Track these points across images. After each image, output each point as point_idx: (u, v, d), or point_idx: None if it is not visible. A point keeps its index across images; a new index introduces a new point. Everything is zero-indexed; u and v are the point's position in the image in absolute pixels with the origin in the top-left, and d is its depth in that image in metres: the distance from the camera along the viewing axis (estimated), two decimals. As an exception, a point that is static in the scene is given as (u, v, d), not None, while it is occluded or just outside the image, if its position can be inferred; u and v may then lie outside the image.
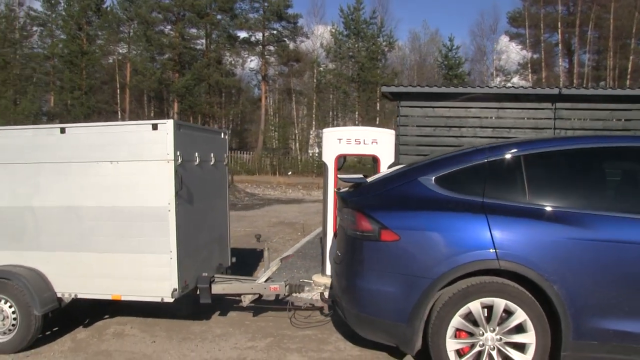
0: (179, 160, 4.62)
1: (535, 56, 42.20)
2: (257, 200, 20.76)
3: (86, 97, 37.58)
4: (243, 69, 49.20)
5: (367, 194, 4.26)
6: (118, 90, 39.98)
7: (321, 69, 39.02)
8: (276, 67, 44.79)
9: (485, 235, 3.73)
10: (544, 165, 4.02)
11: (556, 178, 4.01)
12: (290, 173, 34.18)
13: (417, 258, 3.86)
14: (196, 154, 5.04)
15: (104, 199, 4.72)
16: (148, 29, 37.79)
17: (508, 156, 4.03)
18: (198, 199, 5.06)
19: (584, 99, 9.14)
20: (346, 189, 4.64)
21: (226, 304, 5.95)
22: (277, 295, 5.75)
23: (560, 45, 39.56)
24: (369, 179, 4.47)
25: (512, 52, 45.55)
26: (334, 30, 39.09)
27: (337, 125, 39.49)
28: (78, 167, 4.76)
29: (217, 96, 41.23)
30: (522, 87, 10.30)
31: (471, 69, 44.01)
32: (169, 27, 39.94)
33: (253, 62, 47.41)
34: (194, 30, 40.35)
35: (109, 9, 39.75)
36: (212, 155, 5.45)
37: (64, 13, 39.66)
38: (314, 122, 39.82)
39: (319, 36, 44.54)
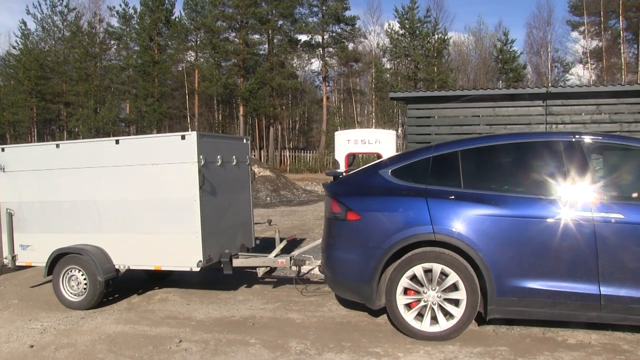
0: (202, 162, 5.97)
1: (599, 44, 41.19)
2: (312, 197, 21.98)
3: (158, 103, 39.86)
4: (305, 71, 50.89)
5: (340, 184, 5.46)
6: (187, 96, 42.07)
7: (378, 68, 39.79)
8: (336, 68, 45.99)
9: (425, 214, 4.84)
10: (475, 158, 5.05)
11: (483, 168, 5.07)
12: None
13: (373, 233, 5.00)
14: (218, 157, 6.38)
15: (146, 192, 6.18)
16: (214, 37, 39.63)
17: (449, 152, 5.12)
18: (220, 192, 6.40)
19: (572, 96, 9.81)
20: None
21: (252, 279, 7.29)
22: (299, 271, 6.98)
23: (622, 32, 38.48)
24: (345, 173, 5.67)
25: (571, 42, 44.33)
26: (389, 30, 39.84)
27: (398, 123, 40.28)
28: (128, 169, 6.24)
29: (281, 98, 42.79)
30: (513, 87, 10.94)
31: (527, 61, 43.52)
32: (233, 34, 41.53)
33: (314, 64, 48.89)
34: (256, 36, 41.73)
35: (177, 20, 41.79)
36: (234, 157, 6.79)
37: (137, 27, 42.06)
38: (373, 121, 40.74)
39: (375, 36, 45.60)
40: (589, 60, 41.09)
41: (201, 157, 5.95)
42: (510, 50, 39.14)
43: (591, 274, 4.51)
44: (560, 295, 4.56)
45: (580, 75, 42.86)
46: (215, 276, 7.47)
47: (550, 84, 35.23)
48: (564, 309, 4.58)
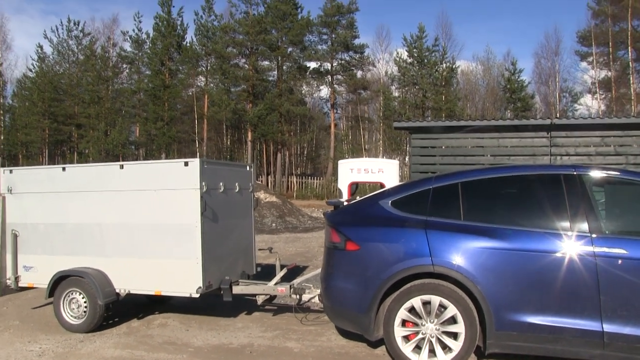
0: (204, 189, 6.01)
1: (608, 75, 41.21)
2: (318, 224, 21.97)
3: (168, 127, 40.25)
4: (313, 98, 51.25)
5: (340, 214, 5.47)
6: (196, 121, 42.37)
7: (386, 96, 40.02)
8: (345, 95, 46.28)
9: (424, 246, 4.83)
10: (475, 190, 5.04)
11: (483, 200, 5.05)
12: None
13: (372, 263, 4.99)
14: (221, 184, 6.42)
15: (149, 217, 6.21)
16: (224, 63, 40.06)
17: (449, 183, 5.13)
18: (222, 218, 6.43)
19: (577, 128, 9.81)
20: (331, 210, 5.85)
21: (252, 306, 7.27)
22: (299, 300, 6.96)
23: (631, 63, 38.55)
24: (345, 202, 5.68)
25: (580, 72, 44.23)
26: (397, 59, 40.16)
27: (405, 151, 40.32)
28: (131, 194, 6.29)
29: (289, 124, 43.05)
30: (517, 118, 11.03)
31: (535, 91, 43.61)
32: (243, 60, 41.95)
33: (323, 91, 49.23)
34: (266, 63, 42.21)
35: (188, 45, 42.37)
36: (236, 184, 6.83)
37: (149, 51, 42.73)
38: (380, 148, 40.86)
39: (384, 64, 45.90)
40: (597, 90, 41.08)
41: (203, 183, 6.00)
42: (518, 79, 39.26)
43: (593, 310, 4.43)
44: (562, 331, 4.48)
45: (589, 105, 42.83)
46: (215, 302, 7.44)
47: (558, 114, 35.36)
48: (565, 346, 4.50)
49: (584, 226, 4.55)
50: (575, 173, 4.80)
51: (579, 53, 43.13)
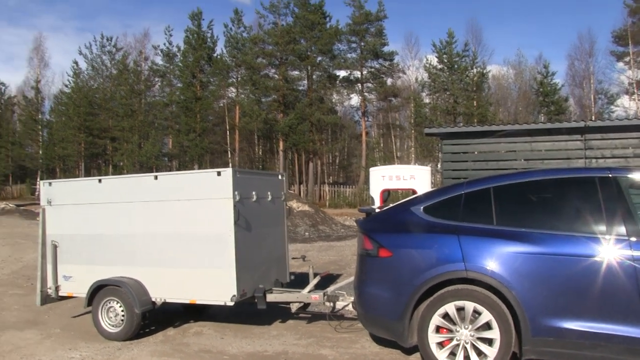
0: (237, 198, 6.09)
1: (645, 74, 40.16)
2: (351, 232, 21.88)
3: (200, 138, 40.65)
4: (344, 106, 51.25)
5: (373, 221, 5.49)
6: (228, 131, 42.70)
7: (417, 103, 39.78)
8: (375, 103, 46.18)
9: (457, 251, 4.81)
10: (507, 195, 5.00)
11: (516, 205, 5.01)
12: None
13: (405, 270, 4.99)
14: (253, 193, 6.50)
15: (183, 227, 6.32)
16: (254, 73, 40.34)
17: (481, 188, 5.10)
18: (255, 227, 6.50)
19: (613, 129, 9.60)
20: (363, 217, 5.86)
21: (286, 314, 7.30)
22: (333, 307, 6.97)
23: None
24: (377, 210, 5.69)
25: (616, 72, 43.07)
26: (427, 65, 39.93)
27: (437, 157, 40.02)
28: (166, 204, 6.41)
29: (320, 133, 43.13)
30: (550, 122, 10.86)
31: (569, 94, 42.80)
32: (273, 70, 42.13)
33: (353, 99, 49.19)
34: (296, 73, 42.25)
35: (219, 57, 42.78)
36: (269, 193, 6.90)
37: (180, 64, 43.26)
38: (412, 156, 40.60)
39: (414, 71, 45.66)
40: (635, 91, 40.13)
41: (236, 193, 6.07)
42: (551, 82, 38.55)
43: (634, 316, 4.32)
44: (600, 337, 4.38)
45: (627, 106, 41.72)
46: (250, 310, 7.50)
47: (593, 117, 34.66)
48: (605, 352, 4.39)
49: (622, 229, 4.46)
50: (610, 175, 4.72)
51: (615, 53, 42.19)
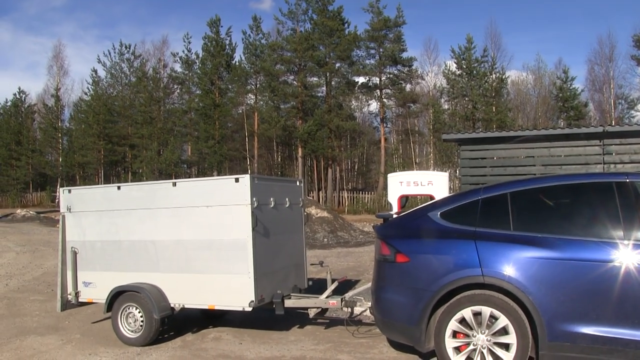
0: (255, 204, 6.15)
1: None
2: (369, 238, 21.83)
3: (219, 145, 40.88)
4: (362, 113, 51.21)
5: (390, 227, 5.52)
6: (247, 138, 42.78)
7: (435, 109, 39.62)
8: (394, 109, 46.11)
9: (474, 257, 4.81)
10: (524, 200, 5.00)
11: (532, 210, 5.00)
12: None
13: (422, 275, 5.01)
14: (271, 199, 6.56)
15: (201, 233, 6.39)
16: (273, 80, 40.49)
17: (498, 194, 5.11)
18: (273, 233, 6.55)
19: (632, 134, 9.51)
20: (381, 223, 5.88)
21: (304, 319, 7.34)
22: (351, 313, 7.00)
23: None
24: (395, 215, 5.71)
25: (637, 77, 42.50)
26: (446, 71, 39.82)
27: (456, 163, 39.81)
28: (184, 210, 6.49)
29: (339, 139, 43.16)
30: (569, 127, 10.82)
31: (588, 99, 42.37)
32: (292, 77, 42.23)
33: (372, 106, 49.16)
34: (314, 79, 42.27)
35: (237, 64, 43.07)
36: (287, 199, 6.95)
37: (199, 71, 43.66)
38: (431, 162, 40.45)
39: (433, 77, 45.55)
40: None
41: (254, 199, 6.14)
42: (571, 88, 38.26)
43: (651, 321, 4.29)
44: (618, 342, 4.36)
45: (647, 112, 41.29)
46: (268, 316, 7.55)
47: (613, 122, 34.26)
48: (621, 357, 4.37)
49: (638, 234, 4.45)
50: (628, 180, 4.70)
51: (635, 57, 41.64)
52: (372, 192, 40.93)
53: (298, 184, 7.49)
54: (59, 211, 7.58)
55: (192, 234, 6.45)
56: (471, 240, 4.87)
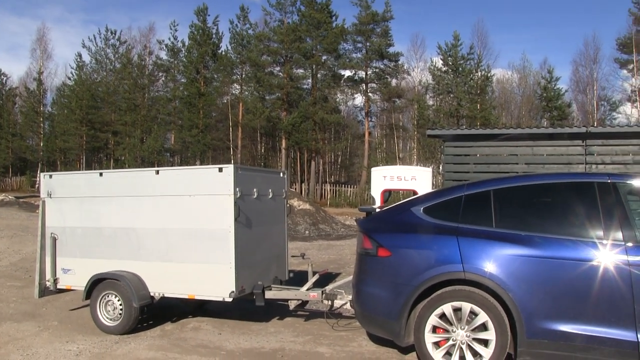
0: (238, 195, 6.12)
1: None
2: (351, 232, 21.88)
3: (203, 135, 40.69)
4: (347, 106, 51.25)
5: (372, 221, 5.52)
6: (231, 128, 42.64)
7: (420, 105, 39.72)
8: (379, 103, 46.21)
9: (455, 253, 4.83)
10: (507, 198, 5.03)
11: (515, 208, 5.03)
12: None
13: (403, 270, 5.01)
14: (254, 190, 6.53)
15: (183, 222, 6.35)
16: (258, 71, 40.35)
17: (481, 191, 5.13)
18: (255, 224, 6.53)
19: (613, 136, 9.61)
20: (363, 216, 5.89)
21: (284, 311, 7.33)
22: (331, 306, 7.00)
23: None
24: (378, 209, 5.71)
25: (619, 80, 43.11)
26: (432, 67, 39.93)
27: (439, 159, 40.01)
28: (166, 199, 6.44)
29: (323, 132, 43.16)
30: (552, 127, 10.96)
31: (572, 99, 42.82)
32: (278, 68, 42.17)
33: (357, 99, 49.23)
34: (300, 71, 42.30)
35: (223, 54, 42.89)
36: (270, 190, 6.93)
37: (184, 60, 43.40)
38: (415, 157, 40.61)
39: (419, 72, 45.69)
40: (637, 98, 40.14)
41: (237, 189, 6.10)
42: (555, 88, 38.62)
43: (627, 320, 4.36)
44: (594, 340, 4.41)
45: (629, 114, 41.76)
46: (248, 307, 7.53)
47: (595, 123, 34.66)
48: (598, 355, 4.42)
49: (618, 235, 4.49)
50: (609, 181, 4.74)
51: (619, 60, 42.28)
52: (355, 186, 41.08)
53: (281, 175, 7.47)
54: (38, 196, 7.49)
55: (174, 223, 6.40)
56: (453, 236, 4.89)
